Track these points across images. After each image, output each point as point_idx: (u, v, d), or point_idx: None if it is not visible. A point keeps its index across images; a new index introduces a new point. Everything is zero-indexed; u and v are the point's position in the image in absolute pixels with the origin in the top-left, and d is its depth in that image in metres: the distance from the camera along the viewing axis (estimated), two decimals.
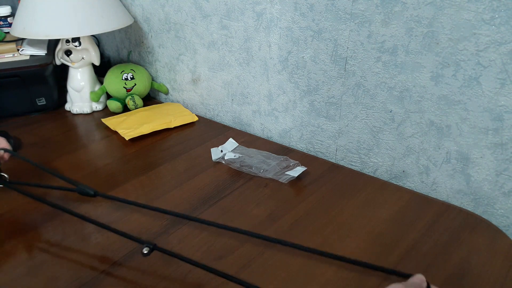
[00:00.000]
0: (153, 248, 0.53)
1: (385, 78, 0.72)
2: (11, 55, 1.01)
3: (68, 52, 1.01)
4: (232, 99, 0.99)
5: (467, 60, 0.62)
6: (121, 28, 1.08)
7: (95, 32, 0.95)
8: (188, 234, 0.65)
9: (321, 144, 0.86)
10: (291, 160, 0.80)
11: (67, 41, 1.01)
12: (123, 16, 1.01)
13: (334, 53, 0.76)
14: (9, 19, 1.11)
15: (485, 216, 0.69)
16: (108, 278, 0.57)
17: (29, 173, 0.80)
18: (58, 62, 1.04)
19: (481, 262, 0.58)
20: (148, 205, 0.60)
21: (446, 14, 0.62)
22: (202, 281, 0.56)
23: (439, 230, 0.64)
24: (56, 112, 1.07)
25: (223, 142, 0.88)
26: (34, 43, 1.05)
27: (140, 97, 1.07)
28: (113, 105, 1.04)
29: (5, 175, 0.72)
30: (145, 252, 0.52)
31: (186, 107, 1.10)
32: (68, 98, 1.08)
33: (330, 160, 0.85)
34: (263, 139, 0.92)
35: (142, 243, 0.53)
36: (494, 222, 0.68)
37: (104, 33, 1.23)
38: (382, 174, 0.80)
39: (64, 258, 0.61)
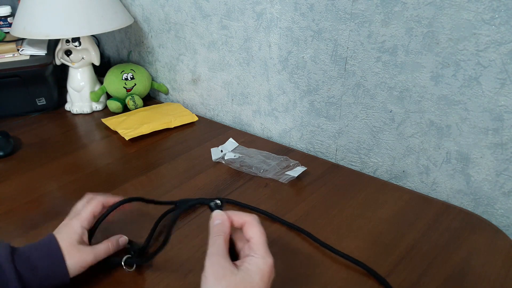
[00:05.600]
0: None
1: (385, 78, 0.72)
2: (11, 55, 1.01)
3: (68, 52, 1.01)
4: (232, 99, 0.99)
5: (467, 60, 0.62)
6: (121, 28, 1.08)
7: (95, 32, 0.95)
8: (188, 234, 0.65)
9: (321, 144, 0.86)
10: (291, 160, 0.80)
11: (67, 41, 1.01)
12: (123, 16, 1.01)
13: (334, 53, 0.76)
14: (9, 19, 1.11)
15: (485, 216, 0.69)
16: (107, 278, 0.57)
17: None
18: (58, 62, 1.04)
19: (481, 262, 0.58)
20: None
21: (446, 14, 0.62)
22: None
23: (439, 230, 0.64)
24: (56, 112, 1.07)
25: (223, 142, 0.88)
26: (34, 43, 1.04)
27: (140, 97, 1.07)
28: (113, 105, 1.04)
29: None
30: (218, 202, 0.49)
31: (186, 107, 1.10)
32: (68, 98, 1.08)
33: (330, 160, 0.85)
34: (263, 139, 0.92)
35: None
36: (494, 222, 0.68)
37: (104, 33, 1.23)
38: (382, 174, 0.80)
39: None
